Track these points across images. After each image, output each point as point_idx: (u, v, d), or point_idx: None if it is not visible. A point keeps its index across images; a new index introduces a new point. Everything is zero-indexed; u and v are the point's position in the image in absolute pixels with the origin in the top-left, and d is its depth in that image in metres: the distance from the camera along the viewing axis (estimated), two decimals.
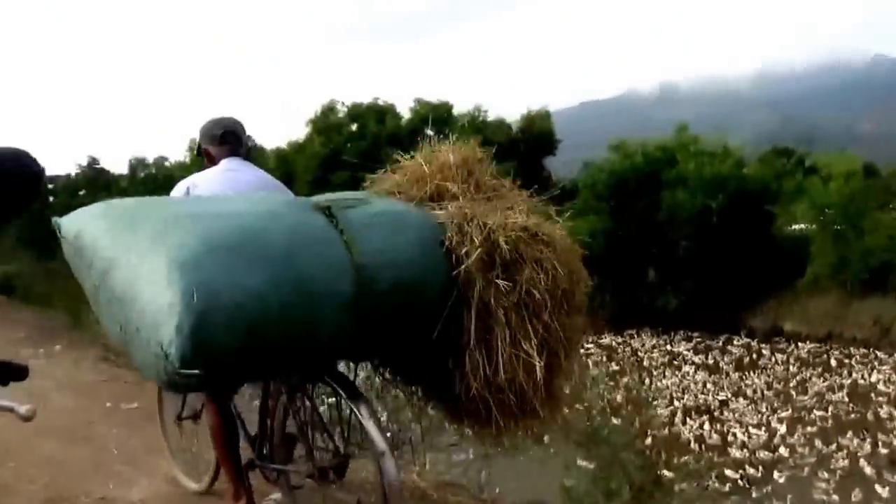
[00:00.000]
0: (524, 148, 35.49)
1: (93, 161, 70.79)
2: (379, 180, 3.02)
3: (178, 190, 3.13)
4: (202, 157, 3.35)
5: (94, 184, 67.79)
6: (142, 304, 2.08)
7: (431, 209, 2.71)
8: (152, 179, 68.73)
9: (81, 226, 2.43)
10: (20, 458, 4.05)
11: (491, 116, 36.53)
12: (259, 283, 2.12)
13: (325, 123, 36.02)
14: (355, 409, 2.55)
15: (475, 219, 2.62)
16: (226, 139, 3.22)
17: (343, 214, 2.46)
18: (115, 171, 71.72)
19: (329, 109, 36.57)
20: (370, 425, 2.50)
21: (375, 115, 35.50)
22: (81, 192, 66.59)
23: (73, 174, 68.98)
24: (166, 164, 69.67)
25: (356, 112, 36.13)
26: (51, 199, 65.45)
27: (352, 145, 34.79)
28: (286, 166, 38.22)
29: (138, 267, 2.14)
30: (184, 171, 51.78)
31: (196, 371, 2.02)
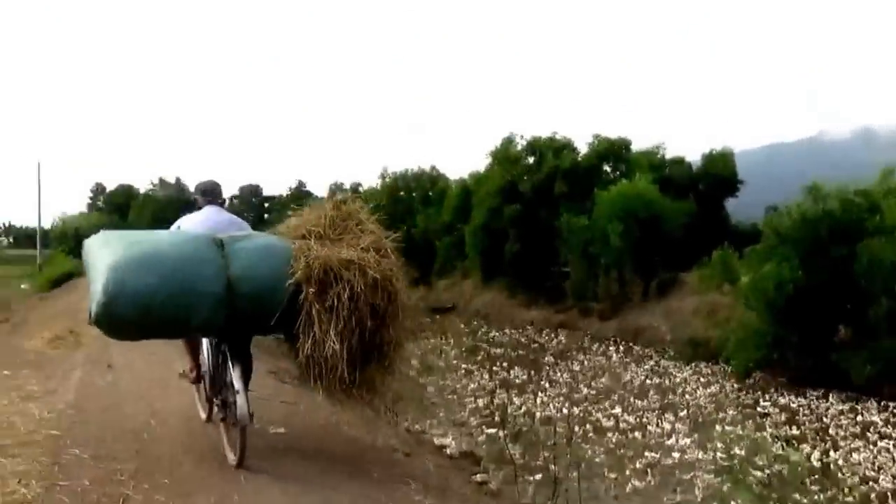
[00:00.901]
0: (704, 188, 34.03)
1: (300, 185, 78.75)
2: (283, 223, 4.82)
3: (175, 224, 4.95)
4: (194, 205, 5.18)
5: (301, 204, 74.72)
6: (96, 284, 3.82)
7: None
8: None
9: (86, 244, 4.28)
10: (155, 479, 4.00)
11: (671, 154, 35.40)
12: (152, 282, 3.79)
13: (505, 156, 36.62)
14: (230, 364, 4.20)
15: (309, 251, 4.17)
16: (205, 194, 5.07)
17: (230, 245, 4.12)
18: (318, 194, 79.30)
19: (508, 142, 37.40)
20: (235, 374, 4.12)
21: (553, 149, 35.55)
22: (290, 213, 74.24)
23: (284, 195, 76.59)
24: (360, 189, 74.70)
25: (535, 145, 36.64)
26: (265, 216, 72.96)
27: (528, 178, 35.08)
28: (466, 196, 39.25)
29: (97, 268, 3.88)
30: (374, 195, 54.95)
31: (103, 326, 3.88)
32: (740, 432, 13.86)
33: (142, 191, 76.01)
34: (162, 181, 75.28)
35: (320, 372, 4.18)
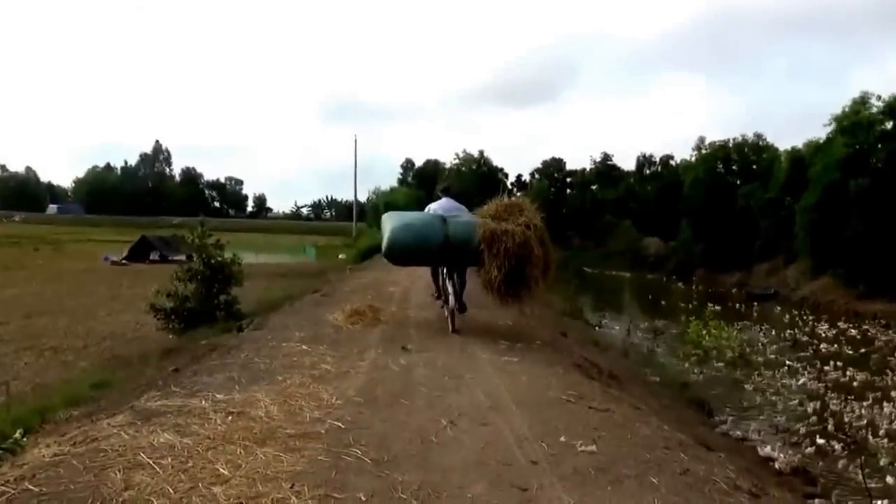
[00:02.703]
0: None
1: (605, 157, 76.66)
2: (483, 209, 8.96)
3: (428, 207, 9.60)
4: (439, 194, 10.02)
5: (606, 178, 72.29)
6: (384, 237, 8.60)
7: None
8: (656, 177, 69.83)
9: (383, 217, 9.20)
10: (442, 500, 3.44)
11: None
12: (409, 237, 8.41)
13: (853, 121, 31.21)
14: (447, 279, 8.93)
15: (486, 224, 8.32)
16: (443, 191, 9.86)
17: (449, 219, 8.60)
18: (624, 167, 75.87)
19: (861, 103, 31.70)
20: (450, 285, 8.77)
21: None
22: (594, 187, 71.73)
23: (587, 169, 74.87)
24: (671, 162, 70.40)
25: (894, 106, 30.47)
26: (568, 190, 72.16)
27: (883, 146, 29.56)
28: (799, 169, 34.67)
29: (386, 229, 8.58)
30: (690, 169, 51.13)
31: (388, 257, 8.74)
32: None
33: (447, 165, 79.58)
34: (465, 154, 78.30)
35: (489, 286, 8.03)
